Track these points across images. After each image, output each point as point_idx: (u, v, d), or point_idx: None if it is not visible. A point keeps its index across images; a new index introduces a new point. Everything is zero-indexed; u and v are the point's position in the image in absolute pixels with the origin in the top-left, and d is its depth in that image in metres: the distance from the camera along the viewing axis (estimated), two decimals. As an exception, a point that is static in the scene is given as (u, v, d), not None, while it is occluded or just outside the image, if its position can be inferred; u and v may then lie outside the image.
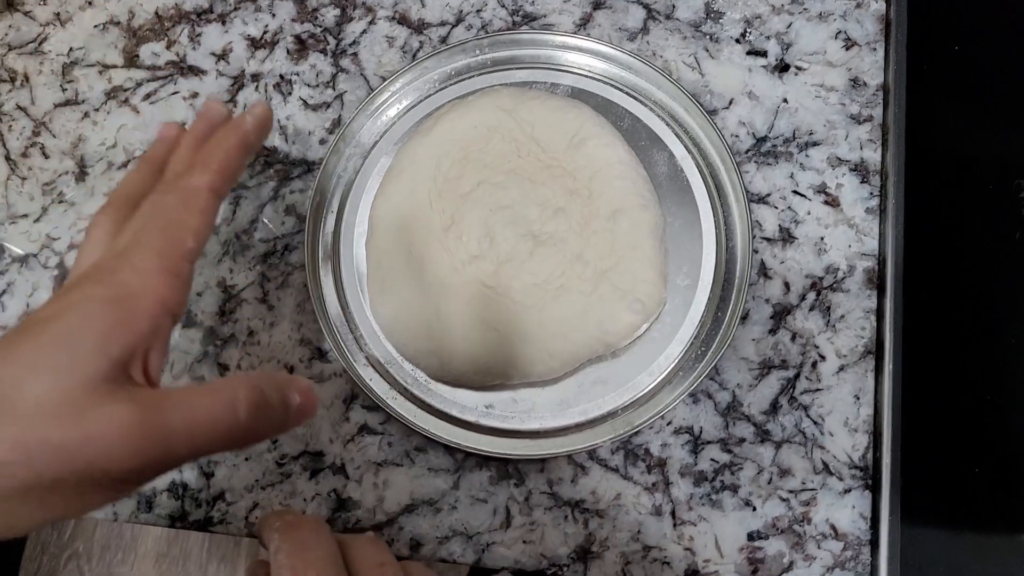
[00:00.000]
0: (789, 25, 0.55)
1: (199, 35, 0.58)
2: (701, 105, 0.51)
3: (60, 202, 0.55)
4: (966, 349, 0.50)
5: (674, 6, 0.55)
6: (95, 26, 0.58)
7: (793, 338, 0.50)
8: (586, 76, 0.53)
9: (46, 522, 0.31)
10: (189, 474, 0.50)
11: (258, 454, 0.50)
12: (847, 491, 0.48)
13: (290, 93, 0.56)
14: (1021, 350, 0.49)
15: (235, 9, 0.58)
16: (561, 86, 0.53)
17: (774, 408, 0.49)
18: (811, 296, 0.50)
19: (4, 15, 0.59)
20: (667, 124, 0.52)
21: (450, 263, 0.49)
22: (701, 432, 0.49)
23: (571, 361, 0.48)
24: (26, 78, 0.58)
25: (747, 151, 0.53)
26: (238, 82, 0.56)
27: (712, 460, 0.49)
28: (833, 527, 0.47)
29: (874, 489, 0.48)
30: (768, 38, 0.54)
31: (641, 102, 0.53)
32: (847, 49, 0.54)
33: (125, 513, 0.50)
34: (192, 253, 0.34)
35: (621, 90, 0.53)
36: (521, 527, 0.48)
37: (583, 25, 0.55)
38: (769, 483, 0.48)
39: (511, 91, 0.52)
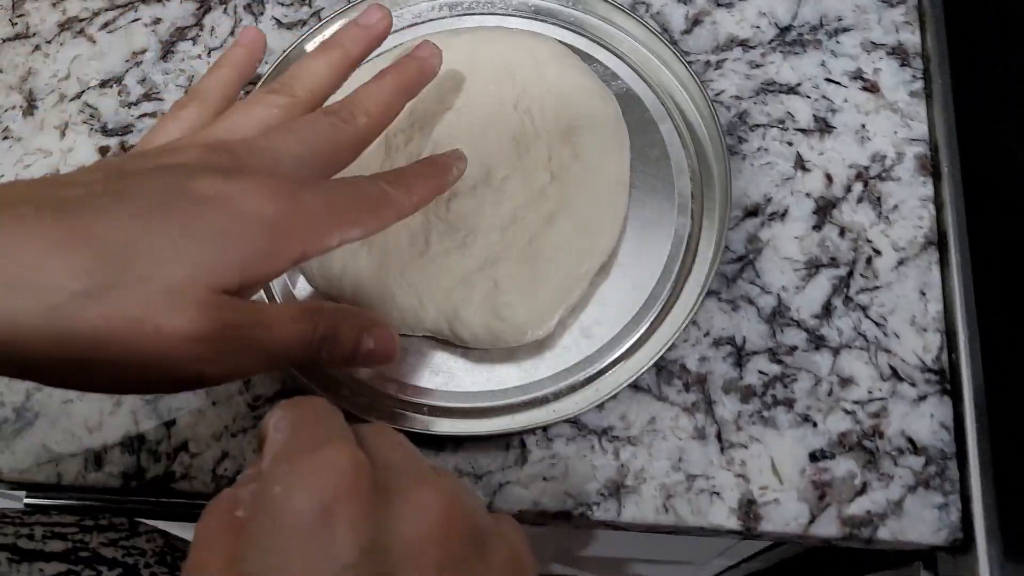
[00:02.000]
0: (804, -86, 0.50)
1: (162, -37, 0.53)
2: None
3: (5, 138, 0.49)
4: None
5: (677, -97, 0.51)
6: (49, -43, 0.53)
7: (842, 233, 0.43)
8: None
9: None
10: (146, 424, 0.43)
11: (227, 397, 0.43)
12: (922, 398, 0.40)
13: (262, 13, 0.51)
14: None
15: (201, -65, 0.53)
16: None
17: (827, 311, 0.42)
18: (858, 187, 0.44)
19: (-49, -44, 0.54)
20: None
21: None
22: (744, 342, 0.42)
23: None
24: (-28, 16, 0.53)
25: (770, 42, 0.47)
26: (204, 5, 0.51)
27: (760, 373, 0.41)
28: (911, 440, 0.40)
29: (954, 395, 0.40)
30: (782, -72, 0.50)
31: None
32: (870, -67, 0.49)
33: (71, 473, 0.42)
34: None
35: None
36: (540, 462, 0.41)
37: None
38: (830, 395, 0.41)
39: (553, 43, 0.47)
